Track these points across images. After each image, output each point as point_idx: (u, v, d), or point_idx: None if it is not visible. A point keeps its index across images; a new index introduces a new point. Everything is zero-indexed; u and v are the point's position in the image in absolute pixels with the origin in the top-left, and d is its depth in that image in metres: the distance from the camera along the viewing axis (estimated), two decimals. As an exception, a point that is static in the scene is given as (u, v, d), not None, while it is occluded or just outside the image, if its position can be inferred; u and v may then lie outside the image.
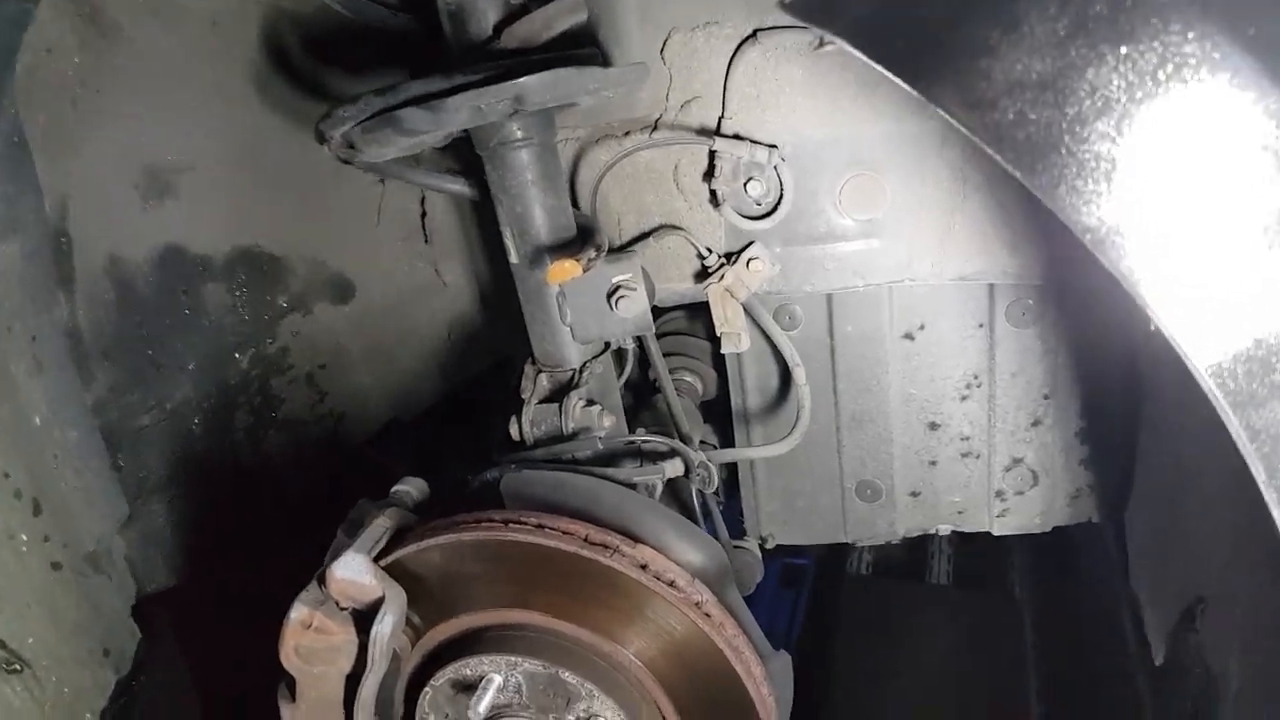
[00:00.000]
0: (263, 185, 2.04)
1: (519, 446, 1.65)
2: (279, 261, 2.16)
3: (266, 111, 1.94)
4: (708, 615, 1.35)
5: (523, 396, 1.67)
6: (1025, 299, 1.82)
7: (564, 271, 1.51)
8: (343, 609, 1.42)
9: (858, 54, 0.74)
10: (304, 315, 2.23)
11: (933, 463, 2.03)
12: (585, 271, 1.54)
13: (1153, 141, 0.67)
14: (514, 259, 1.64)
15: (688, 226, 1.84)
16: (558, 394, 1.66)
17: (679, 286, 1.90)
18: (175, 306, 2.03)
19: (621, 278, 1.61)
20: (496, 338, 2.24)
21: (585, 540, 1.35)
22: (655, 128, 1.78)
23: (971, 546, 3.55)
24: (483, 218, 2.08)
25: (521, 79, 1.34)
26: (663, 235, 1.84)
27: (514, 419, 1.66)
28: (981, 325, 1.87)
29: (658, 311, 1.91)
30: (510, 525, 1.37)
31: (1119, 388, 1.81)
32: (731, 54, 1.68)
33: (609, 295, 1.62)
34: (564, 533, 1.37)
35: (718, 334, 1.89)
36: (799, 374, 1.85)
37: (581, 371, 1.67)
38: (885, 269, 1.81)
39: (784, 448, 1.84)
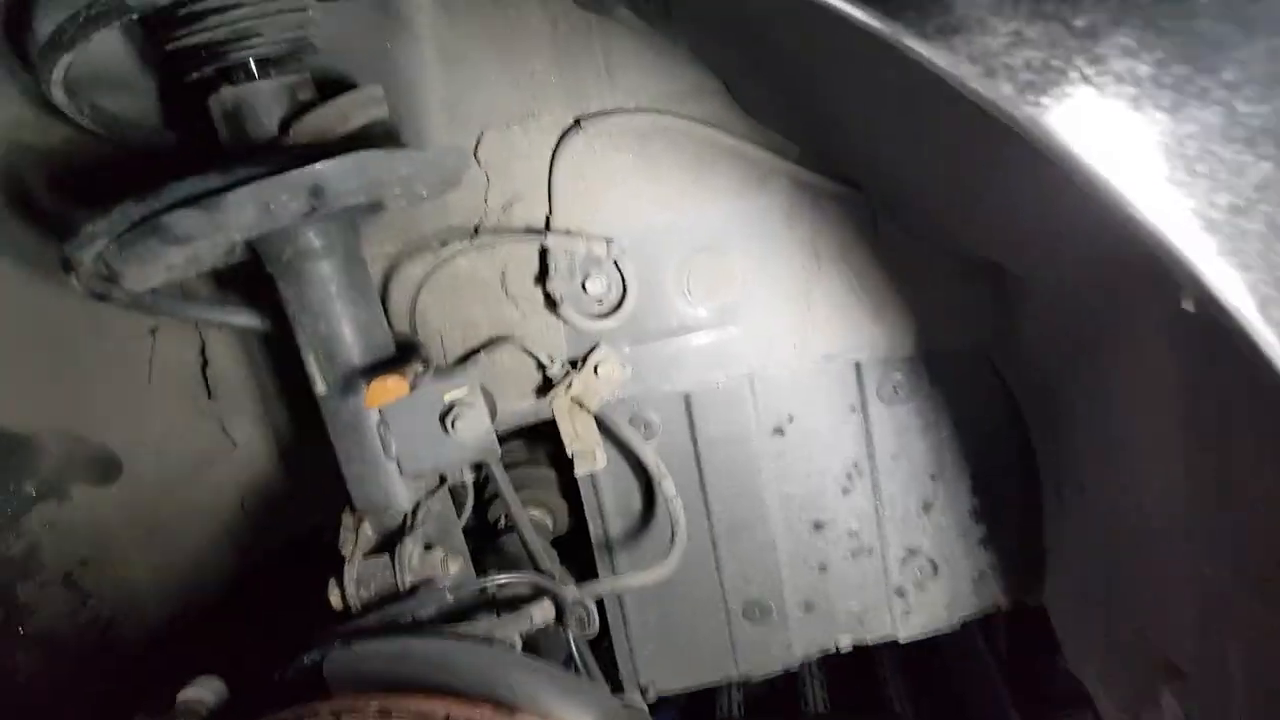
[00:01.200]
0: (0, 353, 1.66)
1: (344, 617, 1.32)
2: (25, 442, 1.75)
3: (2, 265, 1.59)
4: (619, 795, 1.06)
5: (342, 552, 1.35)
6: (894, 374, 1.70)
7: (386, 392, 1.25)
8: None
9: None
10: (59, 503, 1.81)
11: (823, 567, 1.83)
12: (412, 390, 1.28)
13: (1194, 47, 0.52)
14: (320, 389, 1.35)
15: (523, 336, 1.62)
16: (387, 544, 1.36)
17: (519, 406, 1.66)
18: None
19: (456, 394, 1.36)
20: (303, 499, 1.89)
21: (448, 722, 1.04)
22: (475, 234, 1.57)
23: (841, 667, 3.34)
24: (278, 357, 1.77)
25: (318, 165, 1.11)
26: (495, 349, 1.61)
27: (332, 582, 1.33)
28: (854, 409, 1.73)
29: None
30: (342, 717, 1.04)
31: (1009, 454, 1.70)
32: (554, 146, 1.52)
33: (442, 417, 1.36)
34: (417, 715, 1.05)
35: (569, 454, 1.65)
36: (667, 485, 1.63)
37: (415, 513, 1.38)
38: (746, 357, 1.64)
39: (665, 570, 1.59)
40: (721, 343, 1.63)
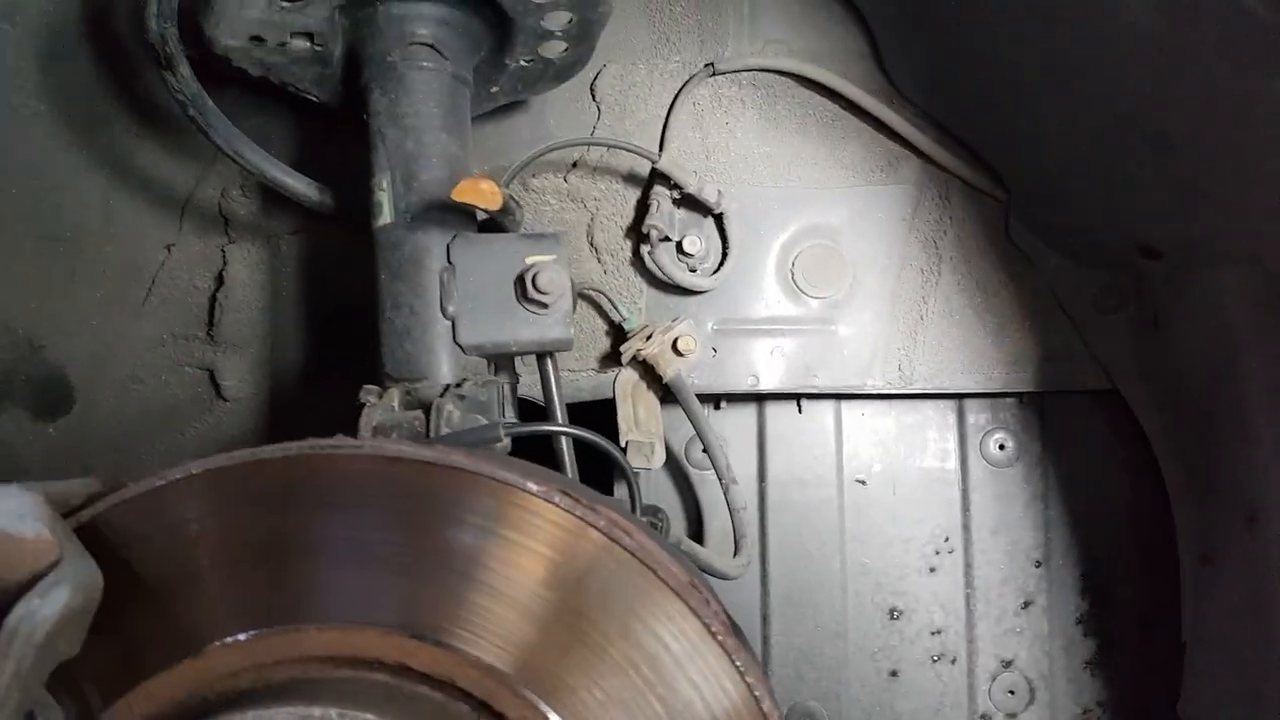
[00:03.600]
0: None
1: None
2: (-26, 329, 1.46)
3: (34, 101, 1.43)
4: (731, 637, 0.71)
5: (363, 401, 1.06)
6: (1002, 427, 1.48)
7: (478, 193, 1.05)
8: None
9: None
10: (-18, 422, 1.48)
11: (894, 673, 1.47)
12: (504, 211, 1.08)
13: None
14: (385, 218, 1.14)
15: (600, 293, 1.42)
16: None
17: (578, 376, 1.42)
18: None
19: (541, 259, 1.14)
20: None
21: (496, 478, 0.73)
22: (573, 167, 1.43)
23: None
24: (300, 298, 1.54)
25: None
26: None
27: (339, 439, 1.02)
28: (951, 465, 1.48)
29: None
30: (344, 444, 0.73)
31: (1137, 537, 1.43)
32: (677, 90, 1.43)
33: (520, 280, 1.13)
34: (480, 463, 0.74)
35: (622, 442, 1.38)
36: (735, 495, 1.34)
37: (458, 386, 1.10)
38: (844, 368, 1.43)
39: (732, 568, 1.26)
40: (822, 343, 1.43)
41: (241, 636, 0.68)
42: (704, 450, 1.40)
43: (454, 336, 1.12)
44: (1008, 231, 1.41)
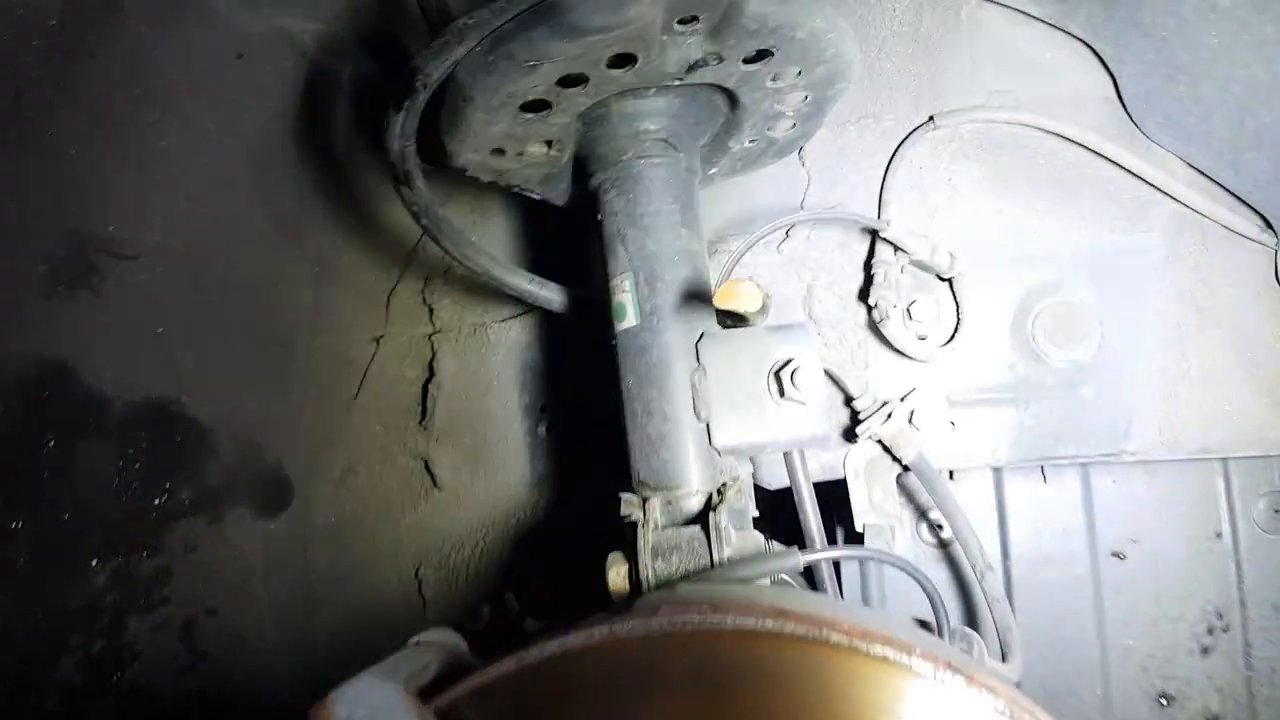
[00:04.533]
0: (210, 317, 1.46)
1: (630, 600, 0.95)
2: (202, 435, 1.49)
3: (249, 207, 1.44)
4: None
5: (630, 518, 1.01)
6: (1276, 490, 1.35)
7: (737, 296, 1.00)
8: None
9: None
10: (209, 523, 1.50)
11: (1167, 765, 1.35)
12: (761, 308, 1.02)
13: None
14: (630, 321, 1.10)
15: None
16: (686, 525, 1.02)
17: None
18: (30, 462, 1.31)
19: (792, 351, 1.08)
20: (510, 572, 1.53)
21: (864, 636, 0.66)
22: (786, 236, 1.37)
23: None
24: (518, 379, 1.52)
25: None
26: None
27: (615, 556, 0.98)
28: (1219, 534, 1.36)
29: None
30: (718, 613, 0.67)
31: None
32: (894, 150, 1.36)
33: (773, 379, 1.07)
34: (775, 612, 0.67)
35: (858, 526, 1.30)
36: (992, 583, 1.24)
37: (721, 492, 1.04)
38: (1097, 435, 1.32)
39: (1010, 675, 1.16)
40: (1070, 409, 1.32)
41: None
42: (940, 528, 1.33)
43: (709, 440, 1.07)
44: (1278, 278, 1.28)
